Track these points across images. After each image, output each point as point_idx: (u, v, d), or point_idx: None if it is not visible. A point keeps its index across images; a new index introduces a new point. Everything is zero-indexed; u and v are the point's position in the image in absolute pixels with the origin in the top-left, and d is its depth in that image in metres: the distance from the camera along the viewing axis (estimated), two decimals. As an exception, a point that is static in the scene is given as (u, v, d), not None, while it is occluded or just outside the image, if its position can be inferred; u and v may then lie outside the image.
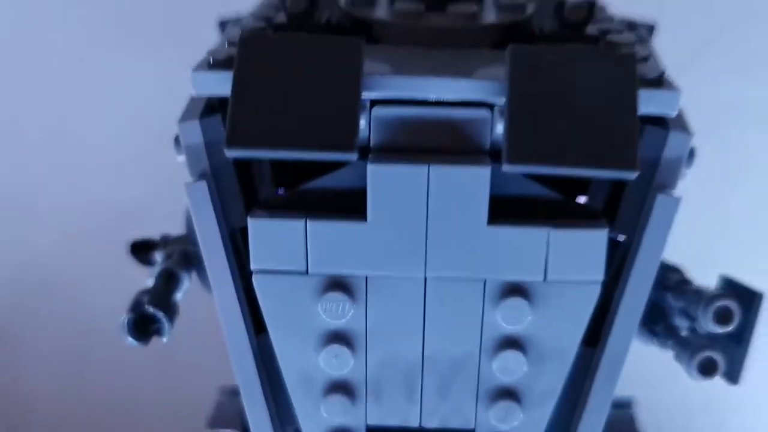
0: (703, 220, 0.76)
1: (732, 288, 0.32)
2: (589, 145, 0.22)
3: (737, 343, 0.31)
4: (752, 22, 0.72)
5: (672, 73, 0.81)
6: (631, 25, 0.34)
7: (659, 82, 0.24)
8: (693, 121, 0.82)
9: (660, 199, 0.25)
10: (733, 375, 0.31)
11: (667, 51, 0.80)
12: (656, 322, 0.32)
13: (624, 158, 0.22)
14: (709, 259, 0.79)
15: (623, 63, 0.23)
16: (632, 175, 0.22)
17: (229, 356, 0.28)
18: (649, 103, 0.24)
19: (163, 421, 0.81)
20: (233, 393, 0.42)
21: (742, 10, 0.72)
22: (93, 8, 0.73)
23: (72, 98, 0.77)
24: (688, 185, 0.81)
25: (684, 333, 0.31)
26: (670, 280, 0.32)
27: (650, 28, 0.36)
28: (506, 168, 0.22)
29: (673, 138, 0.25)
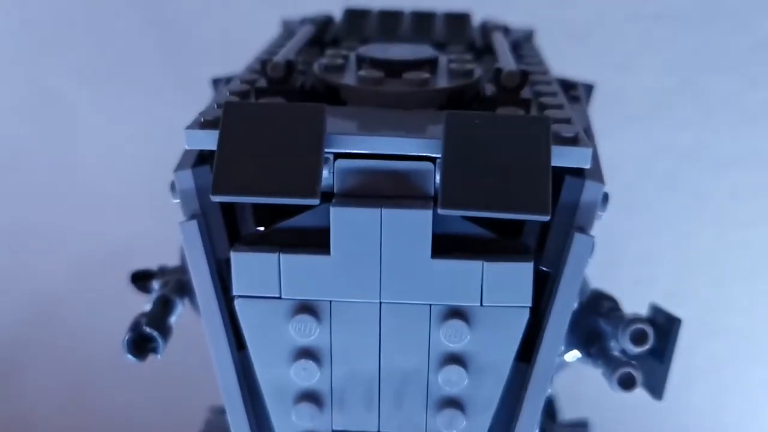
0: (665, 258, 0.81)
1: (657, 313, 0.36)
2: (509, 193, 0.27)
3: (660, 362, 0.35)
4: (712, 75, 0.77)
5: (642, 119, 0.85)
6: (570, 86, 0.39)
7: (575, 140, 0.29)
8: (662, 162, 0.86)
9: (577, 238, 0.30)
10: (656, 391, 0.36)
11: (638, 100, 0.85)
12: (591, 345, 0.36)
13: (538, 204, 0.27)
14: (673, 294, 0.83)
15: (539, 126, 0.28)
16: (545, 218, 0.27)
17: (214, 370, 0.32)
18: (565, 157, 0.29)
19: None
20: (222, 412, 0.47)
21: (703, 65, 0.78)
22: (104, 59, 0.79)
23: (81, 139, 0.82)
24: (653, 226, 0.85)
25: (615, 353, 0.35)
26: (604, 307, 0.36)
27: (589, 88, 0.41)
28: (441, 212, 0.27)
29: (588, 186, 0.30)
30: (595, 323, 0.36)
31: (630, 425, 0.83)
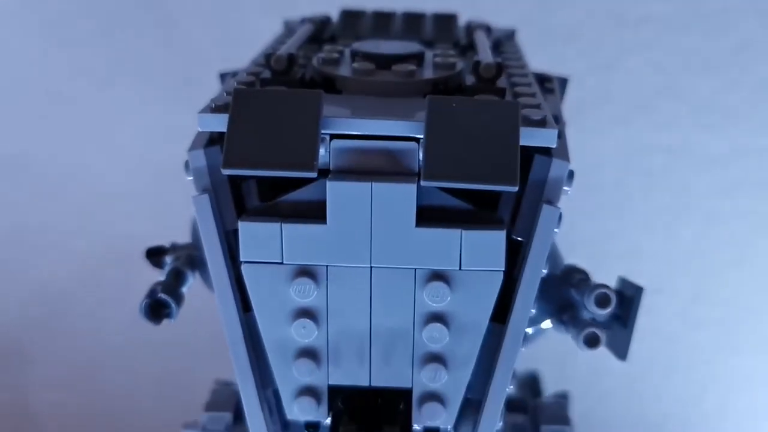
0: (651, 252, 0.85)
1: (623, 284, 0.41)
2: (483, 167, 0.31)
3: (624, 327, 0.39)
4: (695, 76, 0.82)
5: (628, 118, 0.90)
6: (545, 79, 0.44)
7: (542, 122, 0.33)
8: (647, 160, 0.90)
9: (545, 209, 0.34)
10: (621, 352, 0.40)
11: (624, 100, 0.90)
12: (564, 314, 0.41)
13: (507, 177, 0.31)
14: (659, 287, 0.87)
15: (509, 109, 0.32)
16: (513, 189, 0.31)
17: (223, 331, 0.36)
18: (534, 138, 0.33)
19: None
20: (227, 384, 0.51)
21: (686, 67, 0.82)
22: (110, 62, 0.83)
23: (87, 139, 0.86)
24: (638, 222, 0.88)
25: (584, 319, 0.39)
26: (575, 278, 0.41)
27: (563, 81, 0.45)
28: (423, 183, 0.31)
29: (555, 164, 0.34)
30: (568, 294, 0.40)
31: (614, 412, 0.87)
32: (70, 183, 0.86)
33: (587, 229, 0.84)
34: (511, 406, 0.52)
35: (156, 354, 0.90)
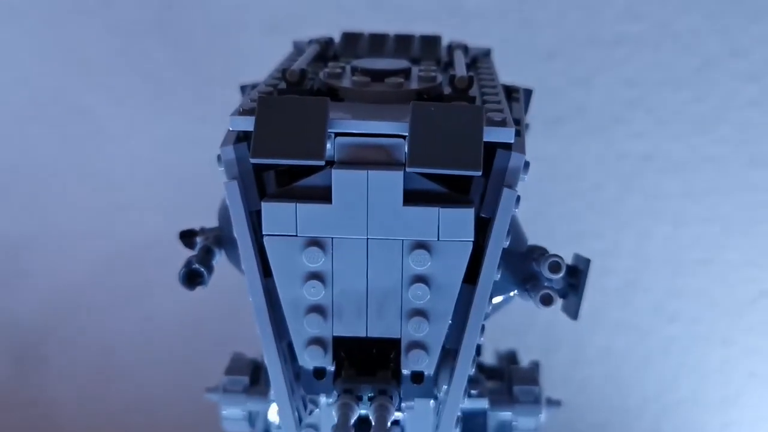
0: (626, 251, 0.94)
1: (576, 258, 0.50)
2: (454, 157, 0.40)
3: (575, 293, 0.49)
4: (664, 90, 0.91)
5: (603, 128, 1.00)
6: (512, 90, 0.53)
7: (503, 123, 0.42)
8: (621, 166, 1.00)
9: (506, 192, 0.43)
10: (572, 313, 0.49)
11: (600, 112, 0.99)
12: (527, 283, 0.50)
13: (473, 164, 0.40)
14: (633, 283, 0.96)
15: (475, 112, 0.42)
16: (478, 173, 0.40)
17: (248, 294, 0.46)
18: (495, 134, 0.42)
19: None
20: (242, 354, 0.60)
21: (656, 82, 0.91)
22: (128, 78, 0.92)
23: (104, 149, 0.94)
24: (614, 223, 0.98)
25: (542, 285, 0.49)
26: (536, 253, 0.50)
27: (528, 92, 0.55)
28: (408, 169, 0.41)
29: (513, 156, 0.43)
30: (530, 268, 0.50)
31: (592, 400, 0.96)
32: (88, 189, 0.94)
33: (567, 229, 0.94)
34: (491, 373, 0.62)
35: (167, 352, 0.98)
